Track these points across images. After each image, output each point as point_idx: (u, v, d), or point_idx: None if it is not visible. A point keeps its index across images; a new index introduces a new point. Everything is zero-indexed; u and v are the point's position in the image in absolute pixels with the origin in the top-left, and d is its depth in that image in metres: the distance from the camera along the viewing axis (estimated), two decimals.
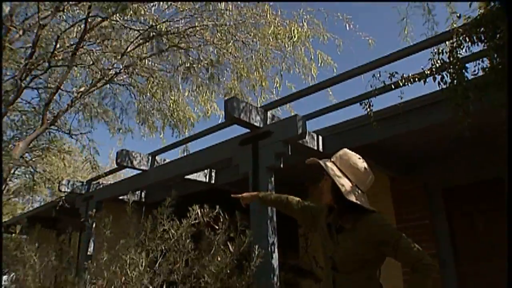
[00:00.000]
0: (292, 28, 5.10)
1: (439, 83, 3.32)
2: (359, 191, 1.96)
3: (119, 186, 6.57)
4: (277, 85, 6.39)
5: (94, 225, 6.69)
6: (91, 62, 5.18)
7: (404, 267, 5.06)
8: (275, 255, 3.92)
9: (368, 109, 3.55)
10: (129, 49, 5.24)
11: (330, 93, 5.91)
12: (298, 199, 2.44)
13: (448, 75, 3.24)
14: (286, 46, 5.82)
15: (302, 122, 4.02)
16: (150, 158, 5.91)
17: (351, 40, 7.02)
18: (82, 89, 5.54)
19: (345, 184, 1.94)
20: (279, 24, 5.12)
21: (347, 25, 5.89)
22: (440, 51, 3.32)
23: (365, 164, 2.03)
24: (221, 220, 3.77)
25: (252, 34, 5.77)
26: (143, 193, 7.51)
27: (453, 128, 3.87)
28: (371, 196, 2.07)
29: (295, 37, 4.95)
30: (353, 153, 2.08)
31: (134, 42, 5.29)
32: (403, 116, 4.49)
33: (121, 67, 5.35)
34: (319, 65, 6.41)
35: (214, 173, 6.44)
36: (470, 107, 3.08)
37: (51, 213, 8.01)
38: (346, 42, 6.19)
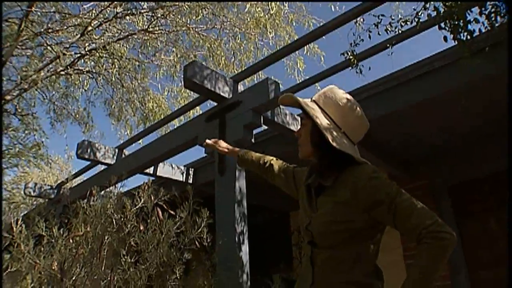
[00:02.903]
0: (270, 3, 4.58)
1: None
2: (348, 140, 1.36)
3: (86, 186, 5.85)
4: (260, 76, 5.84)
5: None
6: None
7: (408, 240, 4.26)
8: (245, 248, 3.19)
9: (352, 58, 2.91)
10: (91, 28, 4.70)
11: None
12: (283, 162, 1.79)
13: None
14: (268, 32, 5.30)
15: (275, 86, 3.36)
16: (117, 151, 5.26)
17: None
18: (42, 74, 4.98)
19: (327, 127, 1.34)
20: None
21: (332, 7, 5.40)
22: None
23: (356, 105, 1.42)
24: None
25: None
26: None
27: (459, 102, 3.26)
28: None
29: (272, 9, 4.40)
30: (342, 90, 1.45)
31: (97, 19, 4.76)
32: (396, 88, 3.88)
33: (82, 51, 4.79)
34: (305, 53, 5.88)
35: (192, 172, 5.78)
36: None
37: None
38: None
